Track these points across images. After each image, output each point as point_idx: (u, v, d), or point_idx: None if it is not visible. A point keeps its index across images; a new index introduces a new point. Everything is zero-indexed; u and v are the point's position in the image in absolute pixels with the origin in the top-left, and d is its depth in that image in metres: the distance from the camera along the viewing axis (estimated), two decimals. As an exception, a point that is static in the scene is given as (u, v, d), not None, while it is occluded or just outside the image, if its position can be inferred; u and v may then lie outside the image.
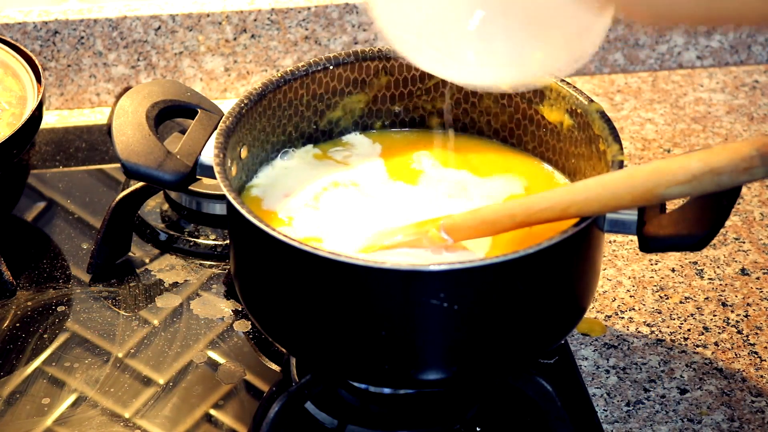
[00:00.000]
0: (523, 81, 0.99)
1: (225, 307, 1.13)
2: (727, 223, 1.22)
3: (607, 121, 1.00)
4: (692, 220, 0.93)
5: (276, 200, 1.05)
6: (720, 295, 1.15)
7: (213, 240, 1.20)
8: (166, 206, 1.24)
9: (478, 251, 0.99)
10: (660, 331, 1.11)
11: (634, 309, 1.13)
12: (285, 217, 1.03)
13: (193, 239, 1.20)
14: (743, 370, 1.07)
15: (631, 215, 0.95)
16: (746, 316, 1.13)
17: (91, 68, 1.40)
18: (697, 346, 1.10)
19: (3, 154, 1.13)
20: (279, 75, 1.06)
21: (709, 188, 0.85)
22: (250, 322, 1.11)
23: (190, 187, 1.06)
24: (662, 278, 1.17)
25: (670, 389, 1.06)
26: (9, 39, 1.26)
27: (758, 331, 1.11)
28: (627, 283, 1.16)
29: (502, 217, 0.95)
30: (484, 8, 0.92)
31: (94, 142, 1.34)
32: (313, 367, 1.00)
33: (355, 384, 1.01)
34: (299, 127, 1.09)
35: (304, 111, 1.09)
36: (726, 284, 1.16)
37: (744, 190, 1.27)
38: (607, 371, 1.07)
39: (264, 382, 1.06)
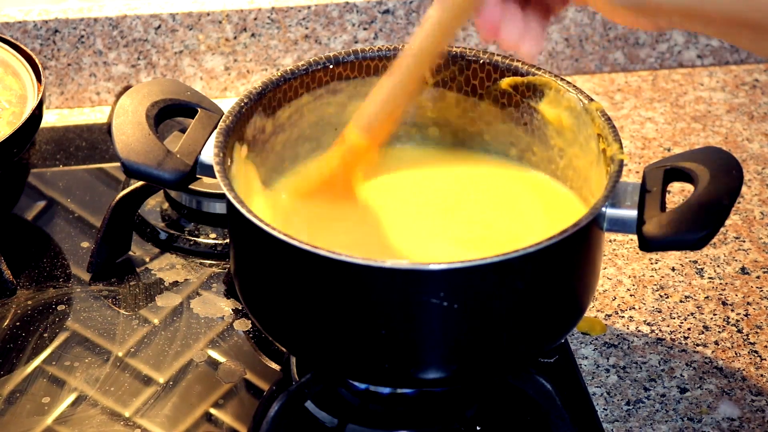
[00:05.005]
0: None
1: (225, 306, 1.13)
2: (727, 222, 1.22)
3: (607, 120, 1.00)
4: (692, 219, 0.92)
5: None
6: (720, 294, 1.15)
7: (213, 239, 1.20)
8: (166, 205, 1.24)
9: (477, 251, 0.99)
10: (660, 330, 1.11)
11: (634, 308, 1.13)
12: None
13: (193, 238, 1.20)
14: (743, 369, 1.07)
15: (632, 214, 0.95)
16: (746, 315, 1.13)
17: (91, 67, 1.40)
18: (697, 345, 1.10)
19: (3, 153, 1.13)
20: (279, 74, 1.06)
21: None
22: (250, 321, 1.11)
23: (190, 186, 1.06)
24: (662, 277, 1.17)
25: (670, 388, 1.06)
26: (9, 38, 1.26)
27: (758, 330, 1.11)
28: (627, 282, 1.16)
29: (399, 85, 0.99)
30: None
31: (95, 141, 1.34)
32: (313, 366, 1.00)
33: (356, 383, 1.01)
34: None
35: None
36: (726, 283, 1.16)
37: (744, 189, 1.27)
38: (607, 370, 1.07)
39: (264, 381, 1.06)
